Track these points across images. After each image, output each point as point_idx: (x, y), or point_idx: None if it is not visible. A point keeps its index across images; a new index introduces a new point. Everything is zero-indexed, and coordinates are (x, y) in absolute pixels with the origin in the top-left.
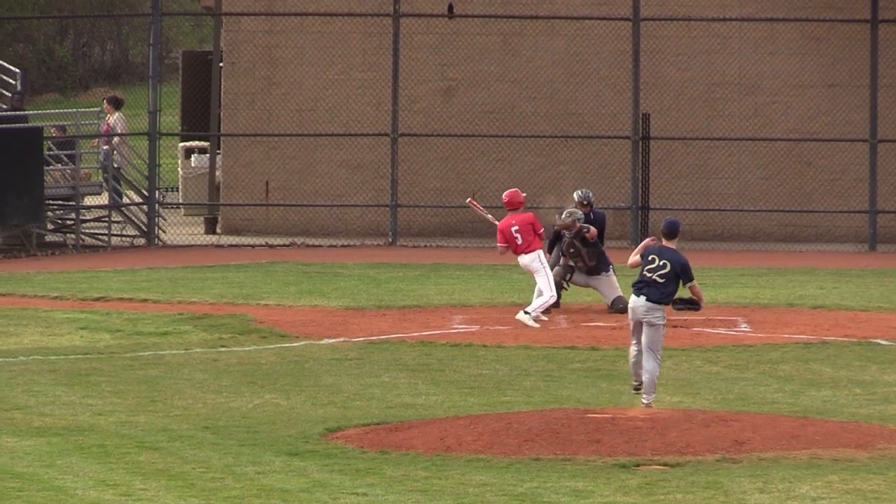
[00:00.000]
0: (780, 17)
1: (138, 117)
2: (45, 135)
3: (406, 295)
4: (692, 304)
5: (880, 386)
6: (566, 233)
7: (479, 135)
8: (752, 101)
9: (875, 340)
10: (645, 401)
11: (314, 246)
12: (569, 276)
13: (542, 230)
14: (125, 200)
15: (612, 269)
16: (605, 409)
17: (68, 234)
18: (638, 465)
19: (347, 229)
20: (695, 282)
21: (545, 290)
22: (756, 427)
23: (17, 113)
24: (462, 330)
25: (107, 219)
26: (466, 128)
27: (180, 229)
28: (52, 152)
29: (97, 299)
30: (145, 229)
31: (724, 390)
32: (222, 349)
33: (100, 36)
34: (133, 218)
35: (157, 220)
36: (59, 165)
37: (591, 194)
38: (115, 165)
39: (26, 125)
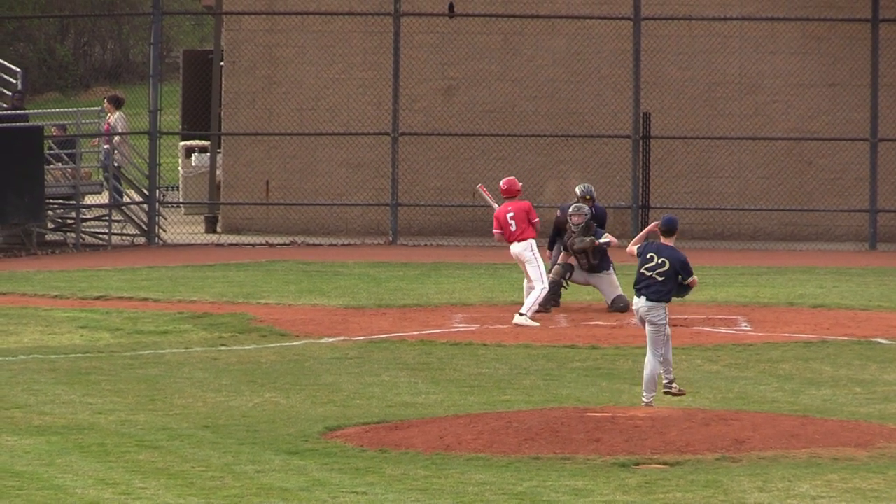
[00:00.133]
0: (780, 16)
1: (139, 116)
2: (45, 134)
3: (406, 294)
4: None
5: (880, 385)
6: (574, 228)
7: (479, 134)
8: (753, 101)
9: (875, 339)
10: (645, 399)
11: (314, 245)
12: (568, 274)
13: (536, 220)
14: (126, 199)
15: (612, 268)
16: (605, 408)
17: (69, 233)
18: (637, 464)
19: (348, 228)
20: (694, 276)
21: (536, 281)
22: (756, 426)
23: (18, 112)
24: (462, 329)
25: (107, 218)
26: (467, 127)
27: (181, 228)
28: (52, 151)
29: (97, 298)
30: (146, 228)
31: (724, 389)
32: (222, 348)
33: (100, 35)
34: (133, 217)
35: (157, 219)
36: (60, 164)
37: (593, 189)
38: (116, 164)
39: (27, 124)
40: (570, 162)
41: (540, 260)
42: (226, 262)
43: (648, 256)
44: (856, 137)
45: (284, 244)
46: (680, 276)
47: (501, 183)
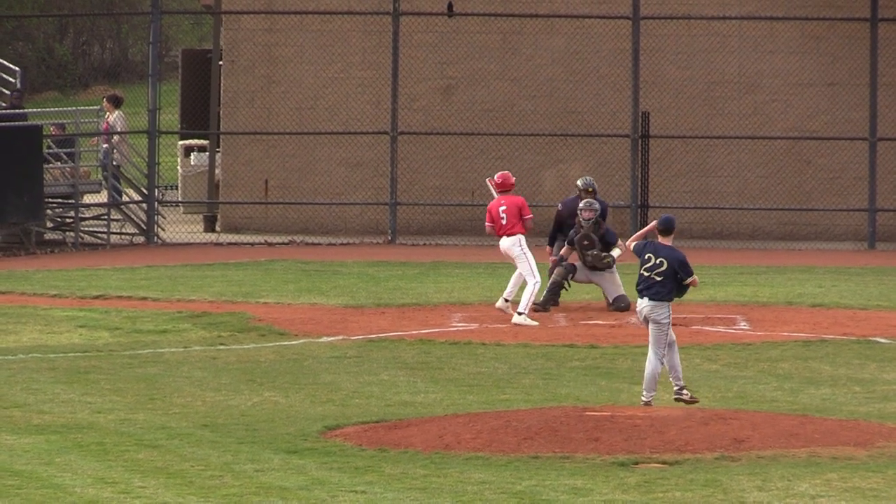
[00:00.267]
0: (779, 15)
1: (138, 115)
2: (44, 133)
3: (405, 293)
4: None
5: (879, 384)
6: (584, 223)
7: (478, 133)
8: (752, 100)
9: (874, 339)
10: (644, 398)
11: (313, 244)
12: (571, 276)
13: (529, 216)
14: (124, 198)
15: (615, 267)
16: (604, 407)
17: (67, 232)
18: (637, 463)
19: (347, 227)
20: (694, 276)
21: (528, 276)
22: (755, 425)
23: (17, 111)
24: (461, 328)
25: (106, 217)
26: (466, 126)
27: (179, 227)
28: (51, 150)
29: (96, 297)
30: (144, 227)
31: (723, 388)
32: (221, 347)
33: (99, 34)
34: (132, 216)
35: (156, 218)
36: (59, 163)
37: (594, 182)
38: (115, 164)
39: (26, 123)
40: (569, 161)
41: (529, 255)
42: (225, 262)
43: (647, 257)
44: (855, 137)
45: (283, 243)
46: (679, 276)
47: (496, 177)
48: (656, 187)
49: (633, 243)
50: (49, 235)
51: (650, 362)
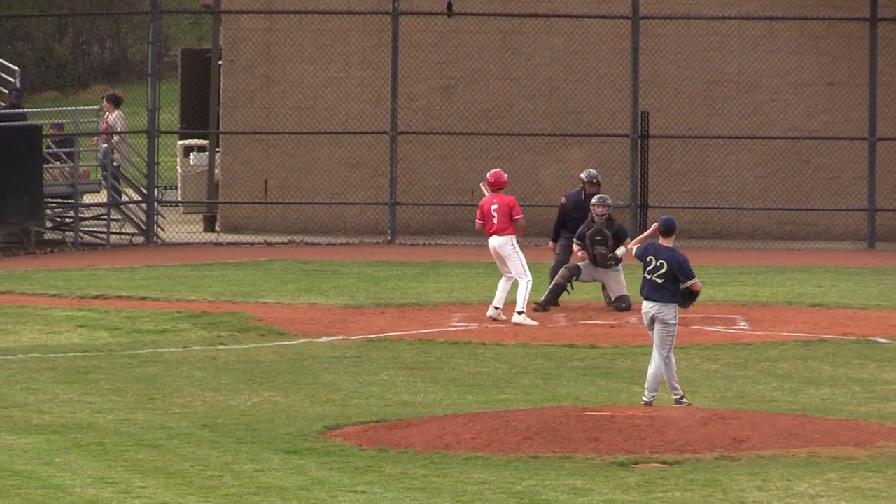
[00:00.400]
0: (779, 15)
1: (137, 115)
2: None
3: (405, 293)
4: (692, 296)
5: (879, 384)
6: (597, 219)
7: (478, 133)
8: (751, 100)
9: (874, 338)
10: (646, 398)
11: (313, 244)
12: (574, 278)
13: (519, 216)
14: (124, 198)
15: (621, 266)
16: (604, 407)
17: (67, 232)
18: (636, 463)
19: (346, 227)
20: (695, 280)
21: (520, 275)
22: (755, 425)
23: (16, 111)
24: (461, 328)
25: (106, 217)
26: (465, 126)
27: (179, 227)
28: (51, 150)
29: (96, 297)
30: (144, 227)
31: (723, 388)
32: (221, 347)
33: (99, 34)
34: (132, 216)
35: (155, 217)
36: (58, 163)
37: (598, 174)
38: (115, 163)
39: (26, 123)
40: (569, 161)
41: (521, 253)
42: (224, 261)
43: (648, 259)
44: (854, 136)
45: (283, 243)
46: (679, 277)
47: (488, 175)
48: (656, 187)
49: (635, 247)
50: (49, 235)
51: (654, 363)
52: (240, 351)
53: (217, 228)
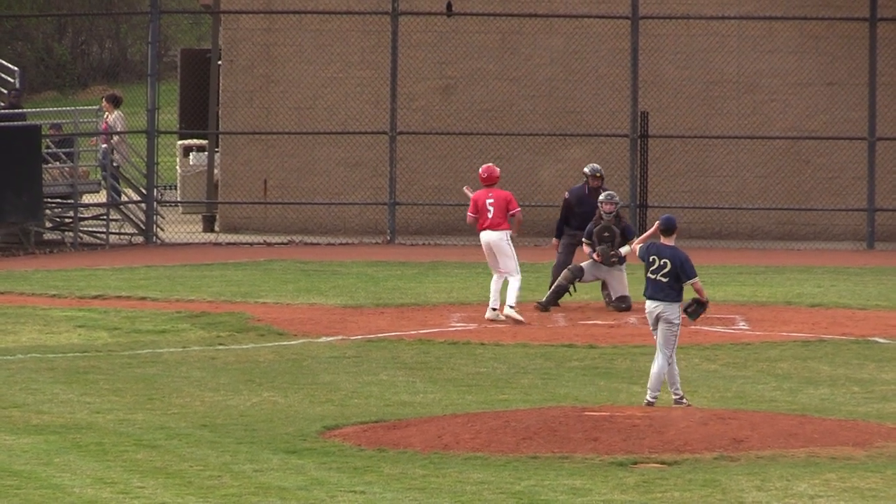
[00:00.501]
0: (778, 15)
1: (137, 115)
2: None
3: (404, 293)
4: (701, 305)
5: (878, 384)
6: (605, 216)
7: (477, 133)
8: (751, 100)
9: (873, 338)
10: (648, 398)
11: (312, 244)
12: (577, 279)
13: (516, 210)
14: (123, 198)
15: (624, 265)
16: (603, 407)
17: (66, 232)
18: (635, 463)
19: (346, 227)
20: (696, 279)
21: (512, 272)
22: (754, 425)
23: (16, 111)
24: (460, 328)
25: (105, 217)
26: (465, 126)
27: (178, 227)
28: (50, 150)
29: (95, 297)
30: (143, 227)
31: (722, 388)
32: (220, 347)
33: (98, 34)
34: (131, 216)
35: (155, 218)
36: (58, 163)
37: (601, 168)
38: (114, 163)
39: (25, 123)
40: (568, 161)
41: (513, 251)
42: (224, 262)
43: (651, 259)
44: (853, 136)
45: (282, 243)
46: (681, 275)
47: (480, 170)
48: (655, 187)
49: (638, 247)
50: (48, 235)
51: (657, 362)
52: (239, 351)
53: (216, 229)
